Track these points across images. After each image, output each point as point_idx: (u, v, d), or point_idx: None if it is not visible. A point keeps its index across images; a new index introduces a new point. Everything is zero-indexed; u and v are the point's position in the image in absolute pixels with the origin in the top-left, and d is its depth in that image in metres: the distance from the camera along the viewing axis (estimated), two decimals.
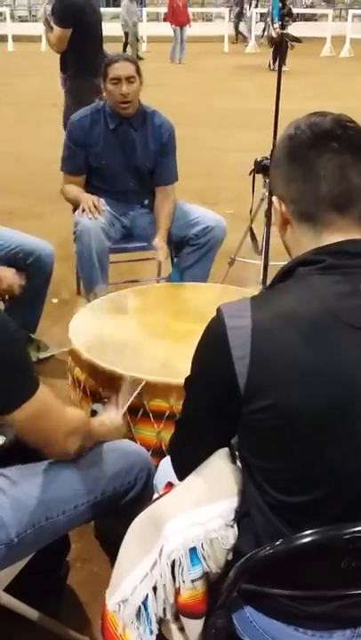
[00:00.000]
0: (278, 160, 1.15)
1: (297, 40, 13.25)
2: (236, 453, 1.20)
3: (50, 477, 1.46)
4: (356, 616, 1.11)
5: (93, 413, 1.87)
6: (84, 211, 3.01)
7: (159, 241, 3.02)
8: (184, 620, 1.14)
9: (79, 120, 3.11)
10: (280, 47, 13.98)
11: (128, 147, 3.09)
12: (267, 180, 3.28)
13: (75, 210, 3.15)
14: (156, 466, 1.56)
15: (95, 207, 3.02)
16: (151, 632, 1.14)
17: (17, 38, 19.11)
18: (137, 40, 16.78)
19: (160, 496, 1.26)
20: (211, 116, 9.47)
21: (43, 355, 3.03)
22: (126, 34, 16.19)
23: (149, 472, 1.59)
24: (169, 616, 1.15)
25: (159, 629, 1.16)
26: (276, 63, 14.18)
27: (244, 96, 11.07)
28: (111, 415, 1.66)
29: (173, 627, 1.16)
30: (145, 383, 1.90)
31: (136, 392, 1.85)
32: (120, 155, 3.09)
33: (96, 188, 3.15)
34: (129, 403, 1.78)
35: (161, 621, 1.16)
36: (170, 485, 1.33)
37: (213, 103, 10.59)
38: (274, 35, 13.74)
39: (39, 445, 1.43)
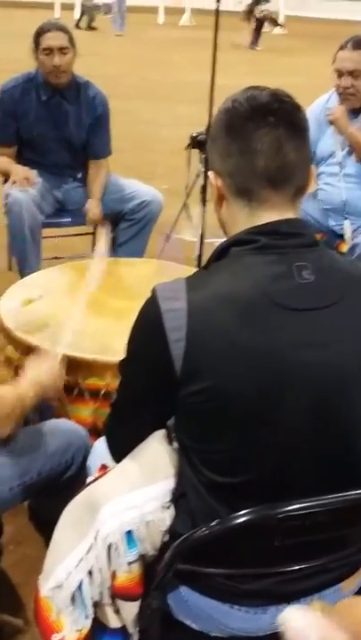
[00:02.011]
0: (215, 133, 1.13)
1: (277, 24, 13.91)
2: (173, 435, 1.19)
3: None
4: (289, 592, 1.13)
5: None
6: (14, 183, 2.91)
7: (92, 202, 2.99)
8: (120, 602, 1.14)
9: (9, 90, 2.98)
10: (261, 25, 14.35)
11: (61, 119, 3.00)
12: (203, 156, 3.26)
13: (5, 182, 3.05)
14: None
15: (27, 179, 2.93)
16: (86, 617, 1.13)
17: None
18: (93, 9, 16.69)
19: (95, 479, 1.24)
20: (145, 89, 9.33)
21: None
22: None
23: (86, 450, 1.56)
24: (105, 599, 1.14)
25: (94, 613, 1.15)
26: (258, 42, 14.43)
27: (179, 69, 10.95)
28: (35, 371, 1.56)
29: (109, 609, 1.15)
30: (76, 359, 1.87)
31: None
32: (52, 127, 3.00)
33: (28, 160, 3.05)
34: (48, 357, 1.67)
35: (96, 605, 1.15)
36: (104, 467, 1.31)
37: (147, 75, 10.43)
38: (257, 14, 14.04)
39: None
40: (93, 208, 3.03)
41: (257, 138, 1.06)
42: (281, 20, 17.96)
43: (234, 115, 1.10)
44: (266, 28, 15.11)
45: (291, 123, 1.08)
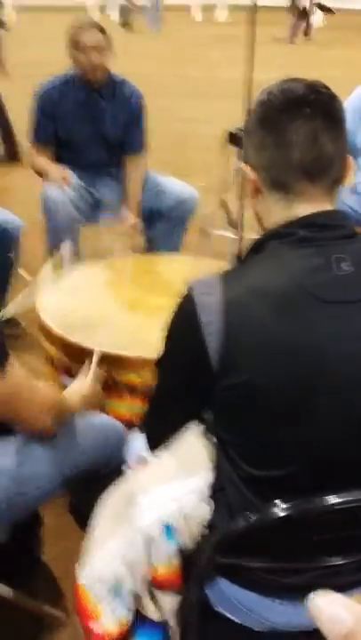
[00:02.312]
0: (250, 127, 1.12)
1: (330, 11, 13.56)
2: (210, 429, 1.19)
3: (23, 452, 1.44)
4: (331, 586, 1.12)
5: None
6: (52, 183, 2.95)
7: (129, 212, 2.99)
8: (159, 594, 1.14)
9: (48, 91, 3.03)
10: (306, 16, 14.22)
11: (97, 117, 3.03)
12: (240, 152, 3.25)
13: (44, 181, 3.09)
14: None
15: (64, 179, 2.96)
16: (125, 607, 1.14)
17: None
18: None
19: (133, 471, 1.26)
20: (181, 87, 9.34)
21: (13, 331, 3.00)
22: None
23: (125, 445, 1.58)
24: (143, 591, 1.14)
25: (134, 605, 1.16)
26: (298, 36, 14.31)
27: (216, 66, 10.92)
28: (79, 384, 1.66)
29: (148, 602, 1.16)
30: (114, 355, 1.89)
31: (95, 359, 1.83)
32: (89, 126, 3.03)
33: (65, 160, 3.09)
34: (93, 370, 1.79)
35: (135, 596, 1.16)
36: (140, 459, 1.32)
37: (184, 73, 10.45)
38: (306, 5, 13.97)
39: (12, 422, 1.41)
40: (131, 216, 3.05)
41: (292, 130, 1.05)
42: (320, 12, 17.74)
43: (269, 107, 1.09)
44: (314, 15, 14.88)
45: (327, 114, 1.07)
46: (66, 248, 2.34)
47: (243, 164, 1.15)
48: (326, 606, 0.37)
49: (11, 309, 2.35)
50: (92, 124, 3.03)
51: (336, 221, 1.08)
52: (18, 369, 1.32)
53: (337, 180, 1.10)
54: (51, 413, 1.42)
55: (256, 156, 1.11)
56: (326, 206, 1.09)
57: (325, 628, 0.36)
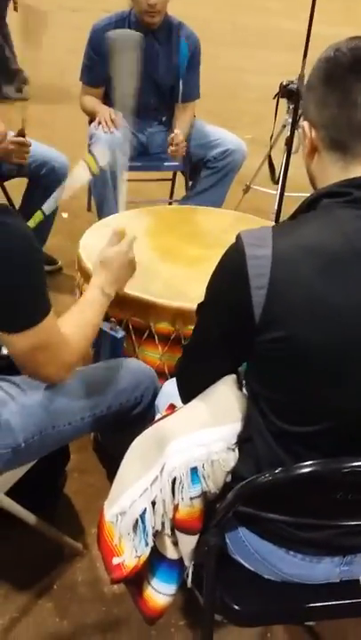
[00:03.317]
0: (313, 82, 1.10)
1: None
2: (243, 381, 1.21)
3: (58, 388, 1.47)
4: (345, 545, 1.15)
5: (100, 332, 1.87)
6: (100, 124, 2.93)
7: (177, 132, 2.93)
8: (179, 535, 1.18)
9: (102, 28, 2.96)
10: None
11: (151, 60, 2.96)
12: (291, 106, 3.17)
13: (90, 122, 3.07)
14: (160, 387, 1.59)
15: (112, 121, 2.94)
16: (147, 544, 1.18)
17: None
18: None
19: (163, 416, 1.28)
20: (234, 34, 9.05)
21: (49, 268, 3.03)
22: None
23: (155, 390, 1.61)
24: (165, 530, 1.18)
25: (154, 542, 1.20)
26: None
27: (271, 15, 10.55)
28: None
29: (168, 540, 1.20)
30: (149, 302, 1.90)
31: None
32: (142, 68, 2.97)
33: (114, 102, 3.05)
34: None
35: (156, 534, 1.20)
36: (172, 407, 1.35)
37: (239, 20, 10.11)
38: None
39: (25, 373, 1.40)
40: (178, 136, 2.95)
41: (357, 90, 1.03)
42: None
43: (335, 64, 1.07)
44: None
45: None
46: (99, 150, 2.34)
47: (303, 122, 1.13)
48: None
49: (51, 204, 2.41)
50: (144, 66, 2.96)
51: None
52: (52, 326, 1.32)
53: None
54: (69, 372, 1.43)
55: (316, 113, 1.09)
56: None
57: None
